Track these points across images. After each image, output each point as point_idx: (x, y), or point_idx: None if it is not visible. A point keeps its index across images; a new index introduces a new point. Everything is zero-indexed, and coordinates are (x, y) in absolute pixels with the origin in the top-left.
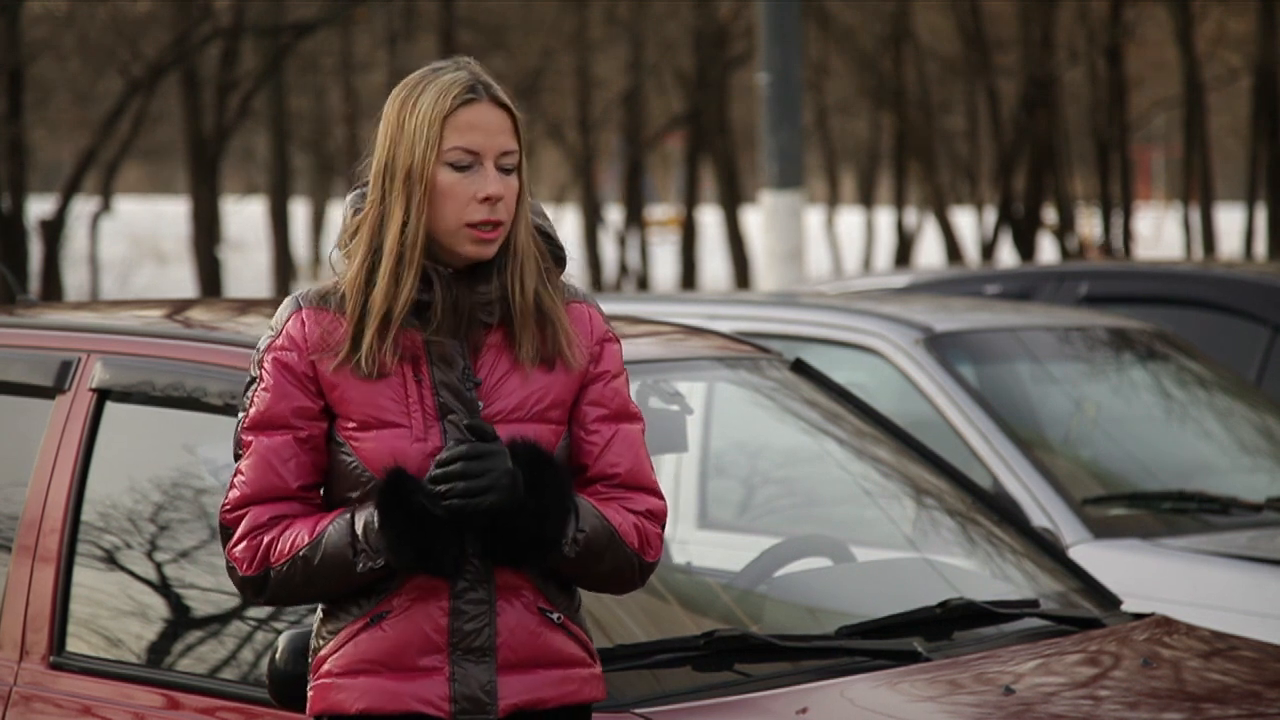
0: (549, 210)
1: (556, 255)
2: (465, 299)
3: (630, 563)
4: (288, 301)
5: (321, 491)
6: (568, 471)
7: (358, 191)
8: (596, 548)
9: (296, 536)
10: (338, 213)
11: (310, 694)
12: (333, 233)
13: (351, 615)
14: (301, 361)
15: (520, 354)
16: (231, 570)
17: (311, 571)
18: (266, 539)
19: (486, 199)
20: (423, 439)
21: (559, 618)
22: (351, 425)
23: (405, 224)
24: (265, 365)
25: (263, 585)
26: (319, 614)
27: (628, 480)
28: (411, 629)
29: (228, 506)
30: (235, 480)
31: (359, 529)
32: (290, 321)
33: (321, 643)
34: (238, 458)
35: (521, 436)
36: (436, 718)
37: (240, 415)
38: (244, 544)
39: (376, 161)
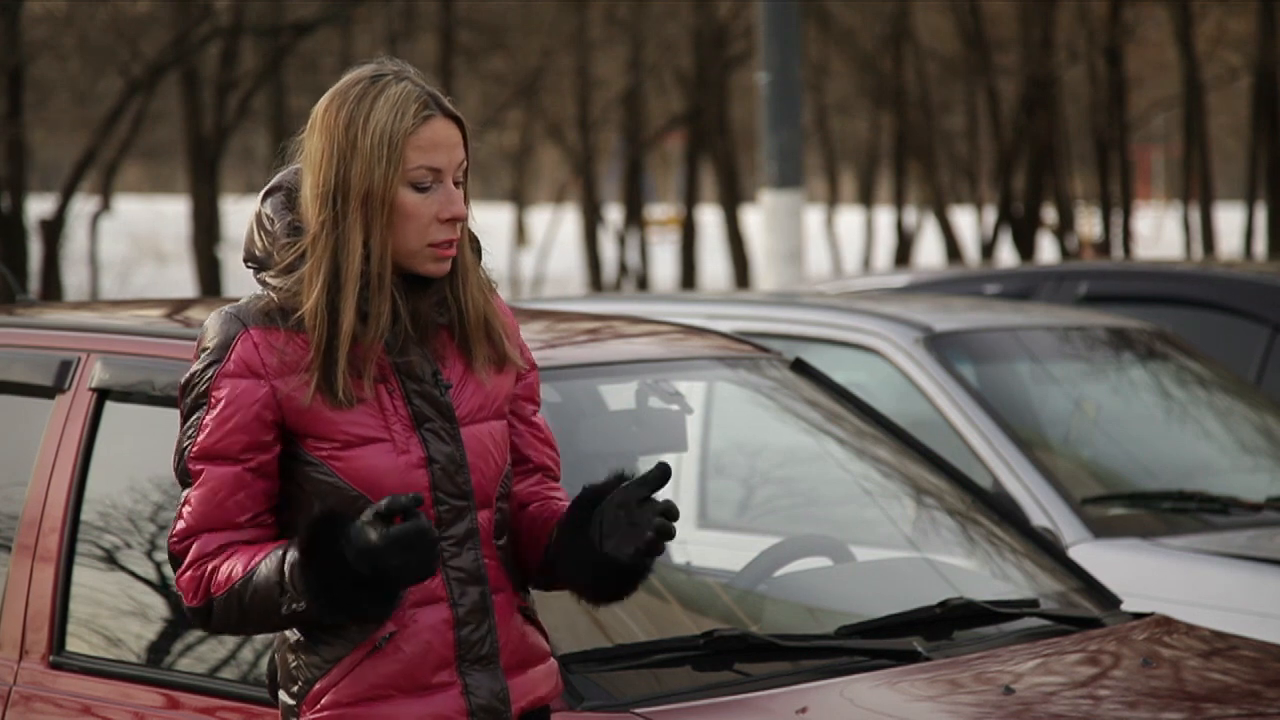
0: (548, 210)
1: (476, 248)
2: (421, 306)
3: None
4: (222, 319)
5: (273, 516)
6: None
7: (278, 199)
8: None
9: (233, 569)
10: None
11: None
12: None
13: (351, 640)
14: (258, 387)
15: (475, 362)
16: (181, 599)
17: (245, 607)
18: (210, 567)
19: (451, 219)
20: (405, 451)
21: (532, 613)
22: (329, 445)
23: (369, 252)
24: (214, 391)
25: (208, 616)
26: (299, 643)
27: (556, 469)
28: (422, 646)
29: (175, 537)
30: (183, 510)
31: (286, 568)
32: (239, 345)
33: (315, 673)
34: (185, 483)
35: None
36: None
37: (185, 441)
38: (189, 573)
39: (321, 179)
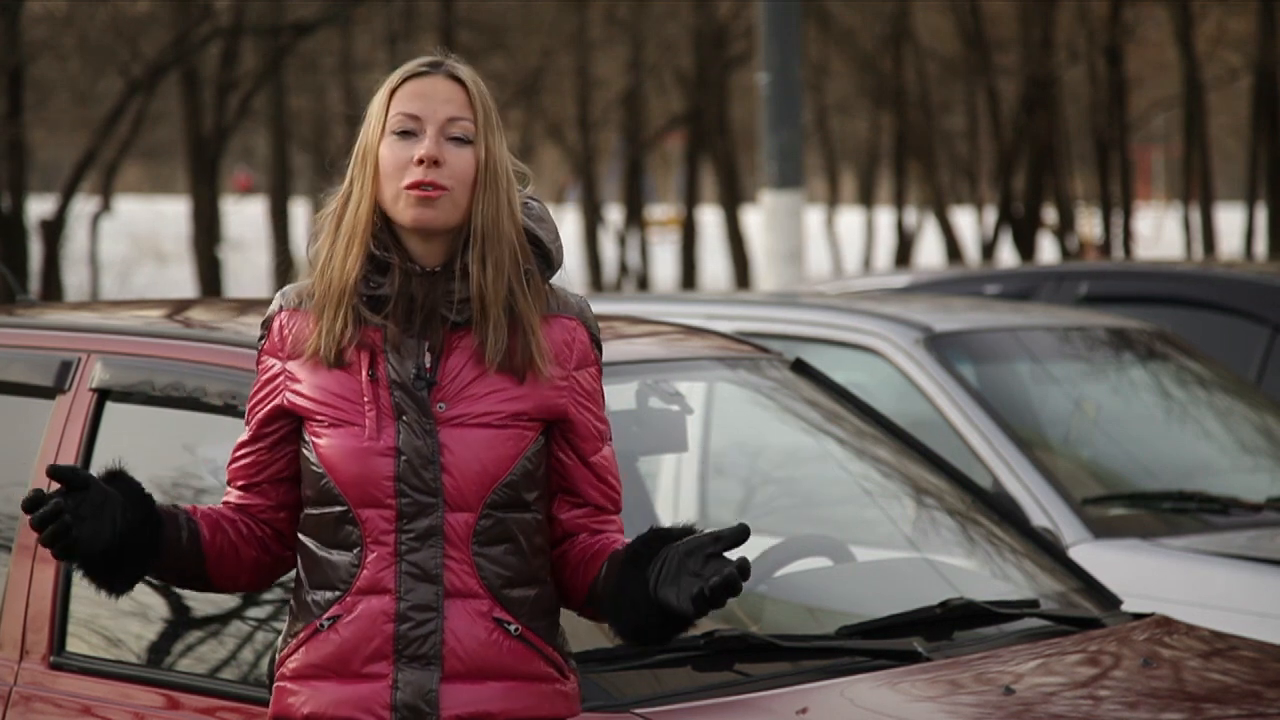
0: (550, 209)
1: (546, 260)
2: (427, 295)
3: None
4: (277, 297)
5: (278, 487)
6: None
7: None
8: None
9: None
10: None
11: (272, 694)
12: None
13: (306, 619)
14: (276, 367)
15: (484, 352)
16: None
17: None
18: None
19: (421, 161)
20: (375, 438)
21: (517, 629)
22: (315, 424)
23: (358, 201)
24: (259, 365)
25: None
26: (288, 615)
27: (608, 505)
28: (359, 635)
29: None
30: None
31: None
32: (273, 324)
33: (283, 644)
34: None
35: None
36: None
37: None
38: None
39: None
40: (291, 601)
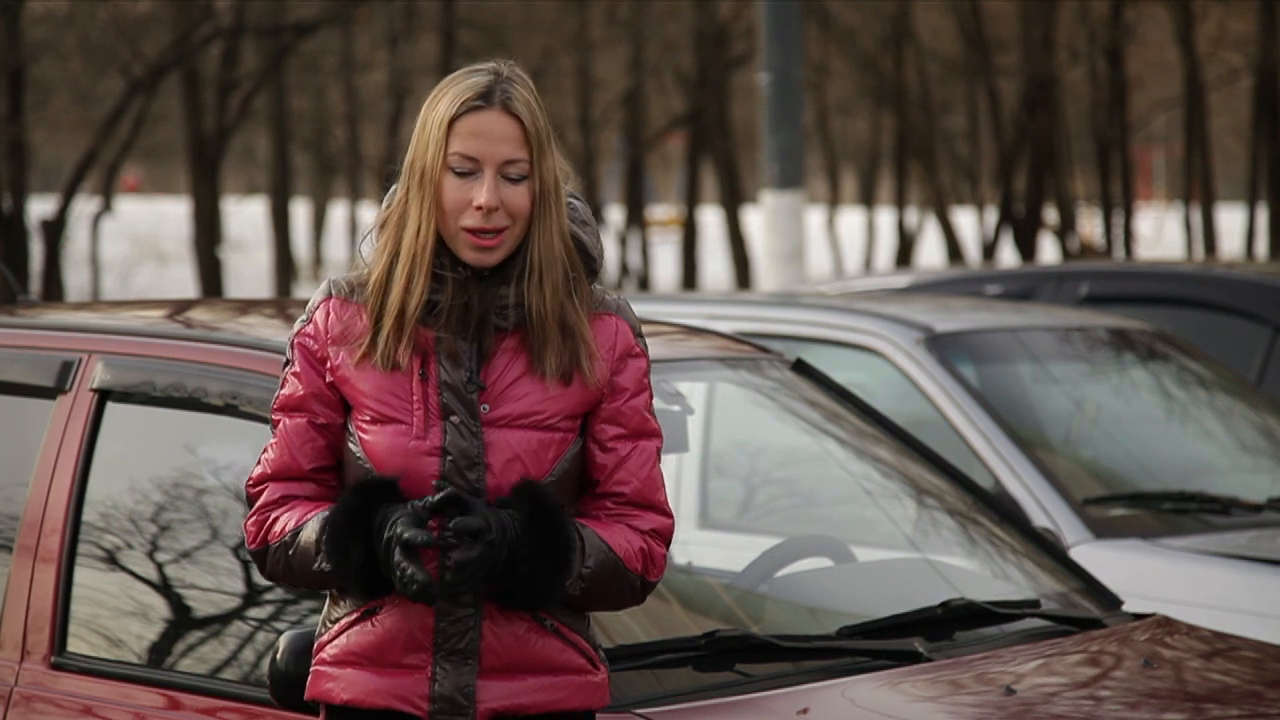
0: None
1: (590, 267)
2: (479, 302)
3: (634, 585)
4: (323, 286)
5: (337, 476)
6: (568, 518)
7: (395, 184)
8: (602, 579)
9: (289, 522)
10: (338, 213)
11: (309, 676)
12: (333, 233)
13: (348, 607)
14: (321, 350)
15: (539, 365)
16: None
17: (289, 559)
18: (272, 516)
19: (479, 208)
20: (422, 437)
21: (551, 624)
22: (362, 419)
23: (418, 228)
24: (294, 348)
25: (263, 560)
26: (327, 598)
27: (635, 499)
28: (399, 626)
29: (251, 481)
30: (262, 457)
31: (322, 526)
32: (319, 309)
33: (324, 629)
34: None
35: (528, 481)
36: (415, 716)
37: (277, 392)
38: (255, 518)
39: (408, 156)
40: (309, 589)
